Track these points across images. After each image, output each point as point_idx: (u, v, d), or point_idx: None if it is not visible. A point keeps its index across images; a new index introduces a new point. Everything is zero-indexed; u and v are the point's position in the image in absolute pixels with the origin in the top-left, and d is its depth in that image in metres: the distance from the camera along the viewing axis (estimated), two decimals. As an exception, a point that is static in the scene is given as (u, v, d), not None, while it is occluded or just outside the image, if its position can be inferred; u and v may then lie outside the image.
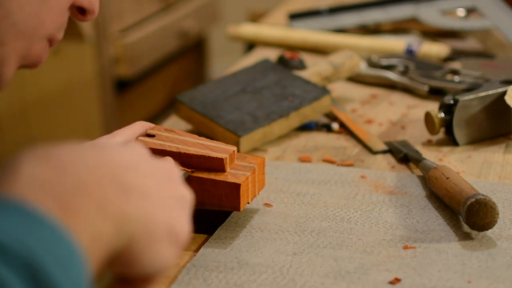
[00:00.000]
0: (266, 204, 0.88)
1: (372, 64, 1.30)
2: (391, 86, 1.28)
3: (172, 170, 0.61)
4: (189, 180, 0.80)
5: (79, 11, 0.72)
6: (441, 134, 1.06)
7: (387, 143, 1.05)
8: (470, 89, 1.12)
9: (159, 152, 0.80)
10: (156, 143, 0.82)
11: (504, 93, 1.04)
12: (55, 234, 0.46)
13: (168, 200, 0.58)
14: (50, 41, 0.70)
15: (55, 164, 0.50)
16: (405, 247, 0.78)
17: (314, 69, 1.19)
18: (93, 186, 0.51)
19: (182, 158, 0.80)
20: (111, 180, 0.52)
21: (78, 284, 0.46)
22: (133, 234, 0.53)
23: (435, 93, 1.22)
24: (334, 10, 1.58)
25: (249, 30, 1.59)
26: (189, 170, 0.80)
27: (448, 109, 1.04)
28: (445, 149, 1.03)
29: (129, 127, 0.83)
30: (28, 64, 0.69)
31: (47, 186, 0.49)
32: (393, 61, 1.30)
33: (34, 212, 0.46)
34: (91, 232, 0.49)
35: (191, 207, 0.61)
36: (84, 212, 0.49)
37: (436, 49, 1.39)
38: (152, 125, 0.85)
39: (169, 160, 0.64)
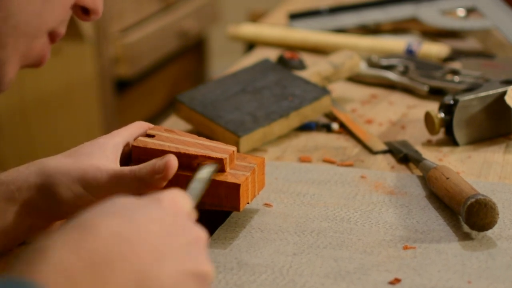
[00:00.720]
0: (266, 204, 0.88)
1: (372, 64, 1.30)
2: (391, 86, 1.28)
3: (199, 240, 0.59)
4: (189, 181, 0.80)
5: (83, 11, 0.71)
6: (441, 134, 1.06)
7: (387, 143, 1.05)
8: (470, 89, 1.12)
9: (159, 152, 0.80)
10: (156, 143, 0.81)
11: (504, 93, 1.04)
12: None
13: (189, 281, 0.57)
14: (53, 37, 0.69)
15: (83, 256, 0.51)
16: (405, 247, 0.78)
17: (314, 69, 1.19)
18: (113, 284, 0.51)
19: (182, 158, 0.80)
20: (132, 278, 0.53)
21: None
22: None
23: (435, 93, 1.22)
24: (334, 10, 1.58)
25: (249, 30, 1.59)
26: (217, 164, 0.79)
27: (448, 109, 1.04)
28: (445, 149, 1.03)
29: (127, 128, 0.83)
30: (31, 63, 0.68)
31: (71, 280, 0.50)
32: (393, 61, 1.30)
33: None
34: None
35: (207, 243, 0.60)
36: None
37: (436, 49, 1.39)
38: (150, 125, 0.85)
39: (176, 196, 0.62)
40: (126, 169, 0.75)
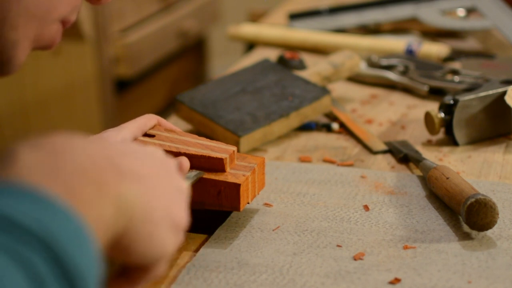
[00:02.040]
0: (266, 204, 0.88)
1: (372, 64, 1.30)
2: (391, 86, 1.28)
3: (168, 162, 0.62)
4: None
5: None
6: (441, 134, 1.06)
7: (387, 143, 1.05)
8: (470, 89, 1.12)
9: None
10: (156, 143, 0.82)
11: (504, 93, 1.04)
12: (67, 215, 0.46)
13: (165, 187, 0.58)
14: (63, 23, 0.68)
15: (51, 150, 0.50)
16: (405, 247, 0.78)
17: (314, 69, 1.19)
18: (91, 169, 0.51)
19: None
20: (108, 163, 0.53)
21: (93, 265, 0.47)
22: (132, 217, 0.53)
23: (435, 93, 1.22)
24: (334, 10, 1.58)
25: (249, 30, 1.59)
26: (201, 171, 0.80)
27: (448, 109, 1.04)
28: (445, 149, 1.03)
29: (135, 120, 0.83)
30: (41, 47, 0.68)
31: (46, 170, 0.49)
32: (393, 61, 1.30)
33: (43, 195, 0.46)
34: (94, 215, 0.49)
35: (187, 199, 0.62)
36: (86, 194, 0.49)
37: (436, 49, 1.39)
38: (160, 118, 0.85)
39: (163, 153, 0.64)
40: None
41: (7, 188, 0.46)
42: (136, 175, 0.55)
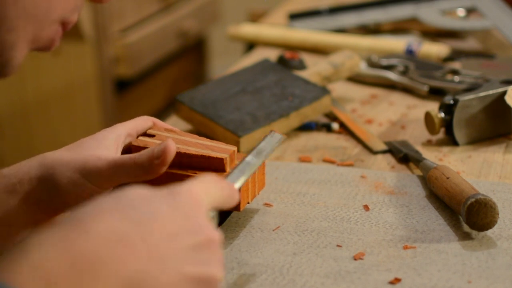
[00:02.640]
0: (266, 204, 0.88)
1: (372, 64, 1.30)
2: (391, 86, 1.28)
3: (195, 213, 0.57)
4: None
5: None
6: (441, 134, 1.06)
7: (387, 143, 1.05)
8: (470, 89, 1.12)
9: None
10: (156, 142, 0.82)
11: (504, 93, 1.04)
12: None
13: (191, 254, 0.55)
14: (64, 25, 0.67)
15: (69, 258, 0.50)
16: (405, 247, 0.78)
17: (314, 69, 1.19)
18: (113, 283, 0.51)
19: (182, 158, 0.80)
20: (124, 284, 0.52)
21: None
22: None
23: (435, 93, 1.22)
24: (334, 10, 1.58)
25: (249, 30, 1.59)
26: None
27: (448, 109, 1.04)
28: (445, 149, 1.03)
29: (131, 121, 0.82)
30: (40, 48, 0.66)
31: (50, 283, 0.49)
32: (393, 61, 1.30)
33: None
34: None
35: (221, 246, 0.58)
36: None
37: (436, 49, 1.39)
38: (155, 119, 0.85)
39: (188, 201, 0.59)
40: (126, 156, 0.75)
41: None
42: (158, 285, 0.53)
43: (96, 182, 0.75)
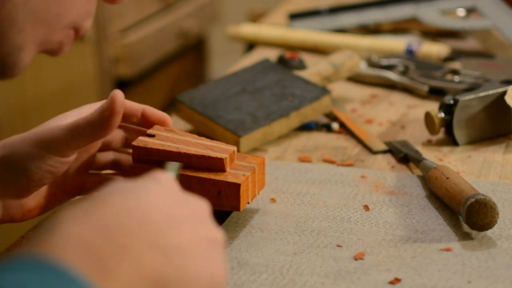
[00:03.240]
0: (272, 200, 0.88)
1: (372, 64, 1.30)
2: (391, 86, 1.28)
3: (203, 209, 0.61)
4: (189, 180, 0.80)
5: None
6: (441, 134, 1.06)
7: (387, 143, 1.05)
8: (470, 89, 1.12)
9: (159, 152, 0.80)
10: (156, 142, 0.82)
11: (504, 93, 1.04)
12: None
13: (204, 245, 0.57)
14: (76, 31, 0.66)
15: (96, 226, 0.51)
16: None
17: (314, 69, 1.19)
18: (132, 250, 0.52)
19: (182, 158, 0.80)
20: (151, 243, 0.53)
21: None
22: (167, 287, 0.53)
23: (435, 93, 1.22)
24: (334, 10, 1.58)
25: (249, 30, 1.59)
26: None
27: (448, 109, 1.04)
28: (445, 149, 1.03)
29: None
30: (49, 51, 0.66)
31: (87, 249, 0.50)
32: (393, 61, 1.30)
33: (73, 276, 0.47)
34: None
35: (224, 247, 0.61)
36: (124, 276, 0.50)
37: (436, 49, 1.39)
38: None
39: (192, 198, 0.62)
40: (80, 118, 0.75)
41: (40, 264, 0.47)
42: (179, 251, 0.55)
43: (55, 151, 0.76)
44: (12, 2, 0.59)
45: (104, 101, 0.74)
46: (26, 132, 0.79)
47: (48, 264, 0.47)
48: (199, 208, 0.60)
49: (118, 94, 0.73)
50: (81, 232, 0.51)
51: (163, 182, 0.60)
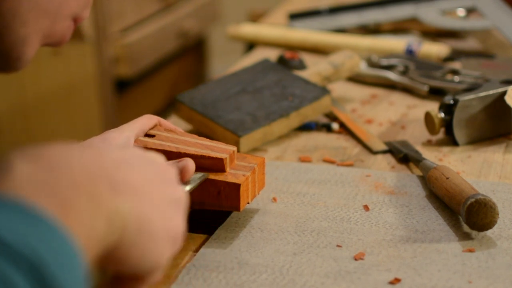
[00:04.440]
0: (274, 199, 0.88)
1: (372, 64, 1.30)
2: (391, 86, 1.28)
3: (167, 170, 0.60)
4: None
5: None
6: (441, 134, 1.06)
7: (387, 143, 1.05)
8: (470, 89, 1.12)
9: (159, 152, 0.80)
10: (156, 143, 0.82)
11: (504, 93, 1.04)
12: (56, 233, 0.46)
13: (162, 199, 0.57)
14: (75, 20, 0.68)
15: (46, 163, 0.50)
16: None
17: (314, 69, 1.19)
18: (85, 183, 0.50)
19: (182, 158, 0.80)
20: (102, 176, 0.52)
21: (79, 284, 0.46)
22: (124, 230, 0.53)
23: (435, 93, 1.22)
24: (334, 10, 1.58)
25: (249, 30, 1.59)
26: (206, 172, 0.80)
27: (448, 109, 1.04)
28: (445, 149, 1.03)
29: (136, 121, 0.82)
30: (51, 43, 0.67)
31: (40, 184, 0.48)
32: (393, 61, 1.30)
33: (34, 211, 0.46)
34: (86, 229, 0.49)
35: (186, 208, 0.61)
36: (78, 209, 0.49)
37: (436, 49, 1.39)
38: (160, 118, 0.85)
39: (164, 160, 0.63)
40: None
41: (3, 202, 0.46)
42: (131, 187, 0.54)
43: None
44: None
45: (173, 162, 0.75)
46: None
47: (10, 202, 0.46)
48: (164, 169, 0.60)
49: (191, 165, 0.75)
50: (33, 170, 0.49)
51: (136, 149, 0.60)
